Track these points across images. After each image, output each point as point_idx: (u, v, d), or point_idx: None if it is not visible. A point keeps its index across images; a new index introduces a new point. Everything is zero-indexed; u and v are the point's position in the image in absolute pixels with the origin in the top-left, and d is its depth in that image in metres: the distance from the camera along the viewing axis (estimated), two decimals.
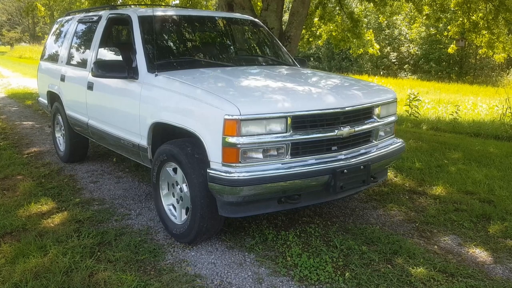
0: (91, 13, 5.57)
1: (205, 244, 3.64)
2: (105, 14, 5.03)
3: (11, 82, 18.19)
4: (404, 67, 37.59)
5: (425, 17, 14.12)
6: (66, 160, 5.97)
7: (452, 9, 13.64)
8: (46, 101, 6.47)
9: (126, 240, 3.66)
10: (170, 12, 5.06)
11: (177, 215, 3.71)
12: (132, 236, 3.76)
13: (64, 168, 5.78)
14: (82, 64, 5.18)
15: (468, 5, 12.33)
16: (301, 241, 3.70)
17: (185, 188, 3.52)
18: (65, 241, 3.63)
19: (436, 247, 3.70)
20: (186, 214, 3.57)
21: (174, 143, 3.62)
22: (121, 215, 4.25)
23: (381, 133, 3.95)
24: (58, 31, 6.47)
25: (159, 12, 4.70)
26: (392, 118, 4.06)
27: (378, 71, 36.03)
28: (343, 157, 3.48)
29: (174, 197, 3.75)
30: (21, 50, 47.13)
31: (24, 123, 9.14)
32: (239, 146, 3.06)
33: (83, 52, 5.38)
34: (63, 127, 5.93)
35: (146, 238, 3.76)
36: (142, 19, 4.36)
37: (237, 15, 5.92)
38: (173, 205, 3.79)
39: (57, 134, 6.27)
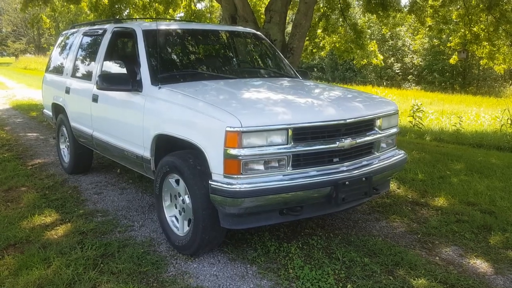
0: (96, 26, 5.64)
1: (207, 256, 3.65)
2: (110, 27, 5.10)
3: (15, 93, 18.34)
4: (408, 77, 37.68)
5: (428, 28, 14.21)
6: (71, 171, 6.01)
7: (454, 20, 13.73)
8: (51, 113, 6.53)
9: (129, 252, 3.68)
10: (174, 26, 5.13)
11: (180, 227, 3.73)
12: (135, 248, 3.77)
13: (68, 180, 5.81)
14: (87, 76, 5.24)
15: (470, 17, 12.41)
16: (303, 253, 3.70)
17: (187, 199, 3.53)
18: (69, 253, 3.65)
19: (437, 258, 3.70)
20: (189, 225, 3.58)
21: (176, 154, 3.65)
22: (125, 226, 4.27)
23: (383, 145, 3.97)
24: (63, 43, 6.54)
25: (163, 26, 4.76)
26: (393, 130, 4.08)
27: (382, 82, 36.13)
28: (345, 168, 3.49)
29: (176, 208, 3.77)
30: (26, 61, 47.49)
31: (29, 134, 9.20)
32: (240, 158, 3.09)
33: (88, 65, 5.44)
34: (67, 139, 5.98)
35: (149, 249, 3.78)
36: (147, 33, 4.42)
37: (239, 28, 5.99)
38: (175, 217, 3.80)
39: (62, 146, 6.31)
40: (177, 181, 3.66)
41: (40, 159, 6.97)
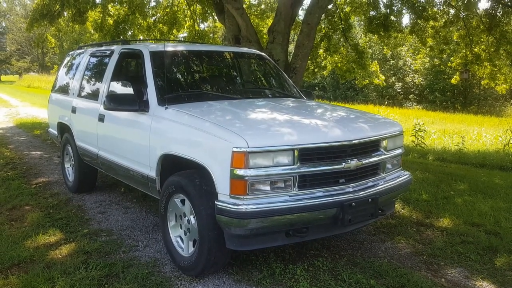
0: (103, 47, 5.72)
1: (212, 277, 3.62)
2: (117, 48, 5.17)
3: (19, 111, 18.42)
4: (409, 97, 37.86)
5: (429, 48, 14.35)
6: (75, 190, 6.02)
7: (455, 40, 13.88)
8: (56, 132, 6.57)
9: (133, 272, 3.66)
10: (180, 47, 5.20)
11: (185, 247, 3.71)
12: (140, 268, 3.75)
13: (72, 199, 5.81)
14: (94, 96, 5.29)
15: (470, 37, 12.55)
16: (309, 275, 3.68)
17: (192, 220, 3.53)
18: (73, 273, 3.64)
19: (443, 280, 3.68)
20: (194, 246, 3.57)
21: (182, 174, 3.66)
22: (129, 246, 4.26)
23: (389, 166, 3.98)
24: (69, 63, 6.62)
25: (170, 47, 4.83)
26: (399, 151, 4.10)
27: (384, 101, 36.29)
28: (351, 189, 3.49)
29: (181, 228, 3.77)
30: (29, 79, 47.81)
31: (33, 153, 9.22)
32: (247, 178, 3.10)
33: (95, 85, 5.50)
34: (72, 158, 6.00)
35: (153, 270, 3.76)
36: (154, 54, 4.49)
37: (244, 49, 6.06)
38: (180, 237, 3.79)
39: (66, 165, 6.33)
40: (183, 201, 3.66)
41: (44, 177, 6.98)
